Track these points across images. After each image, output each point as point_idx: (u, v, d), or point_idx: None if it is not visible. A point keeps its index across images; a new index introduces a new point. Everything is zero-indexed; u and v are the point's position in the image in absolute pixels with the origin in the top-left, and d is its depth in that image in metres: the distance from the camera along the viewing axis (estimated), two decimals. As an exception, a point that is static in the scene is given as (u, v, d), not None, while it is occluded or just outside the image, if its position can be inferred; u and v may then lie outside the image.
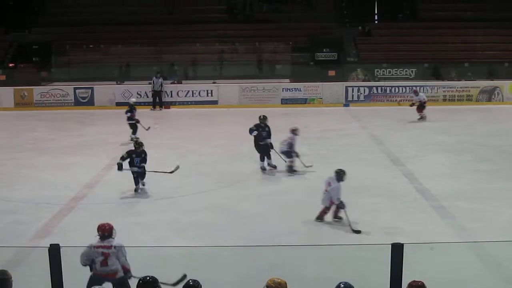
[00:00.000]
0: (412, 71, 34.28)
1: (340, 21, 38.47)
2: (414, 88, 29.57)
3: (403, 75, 34.14)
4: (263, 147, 18.89)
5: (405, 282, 6.87)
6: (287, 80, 33.92)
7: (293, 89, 32.58)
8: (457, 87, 32.54)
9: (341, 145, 22.53)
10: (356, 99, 32.25)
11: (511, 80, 32.72)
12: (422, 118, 27.25)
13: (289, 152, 18.68)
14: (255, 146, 19.05)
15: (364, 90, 32.47)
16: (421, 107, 27.47)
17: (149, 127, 23.25)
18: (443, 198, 15.90)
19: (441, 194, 16.24)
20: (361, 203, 15.48)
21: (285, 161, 18.67)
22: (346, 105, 31.90)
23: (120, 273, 9.14)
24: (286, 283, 7.32)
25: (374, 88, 32.52)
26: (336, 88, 32.43)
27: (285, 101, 32.12)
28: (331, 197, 13.90)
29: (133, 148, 16.81)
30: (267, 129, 19.18)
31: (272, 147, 18.88)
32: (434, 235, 11.43)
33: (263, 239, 12.24)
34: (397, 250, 6.16)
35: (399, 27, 38.18)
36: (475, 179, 17.80)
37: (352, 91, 32.40)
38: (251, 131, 19.03)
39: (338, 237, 12.91)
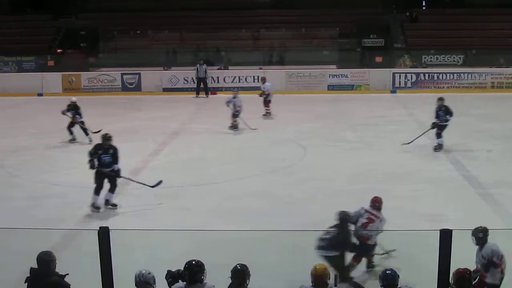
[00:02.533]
0: (459, 58, 33.89)
1: (387, 7, 38.19)
2: (263, 75, 28.55)
3: (450, 61, 33.77)
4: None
5: (451, 269, 6.88)
6: (334, 66, 33.77)
7: (340, 75, 32.44)
8: (506, 74, 32.04)
9: (388, 131, 22.40)
10: (403, 85, 31.98)
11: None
12: (267, 114, 25.37)
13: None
14: None
15: (411, 76, 32.18)
16: (266, 100, 25.48)
17: (99, 130, 19.50)
18: (490, 186, 15.74)
19: (488, 181, 16.07)
20: (406, 189, 15.47)
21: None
22: (393, 91, 31.68)
23: None
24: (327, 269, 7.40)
25: (422, 74, 32.20)
26: (383, 75, 32.20)
27: (332, 87, 31.99)
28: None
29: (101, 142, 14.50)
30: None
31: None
32: (480, 223, 11.24)
33: (308, 225, 12.24)
34: (445, 236, 6.12)
35: (446, 13, 37.74)
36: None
37: (399, 78, 32.14)
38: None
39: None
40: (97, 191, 14.11)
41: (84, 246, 6.57)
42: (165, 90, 32.27)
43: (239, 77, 32.53)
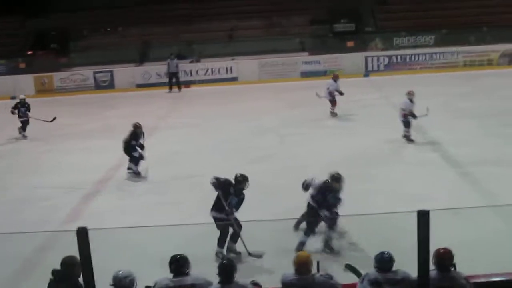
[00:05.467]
0: (431, 38, 34.02)
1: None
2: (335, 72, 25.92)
3: (422, 42, 33.89)
4: None
5: (432, 248, 6.89)
6: (306, 54, 33.80)
7: (313, 62, 32.52)
8: (477, 52, 32.26)
9: (363, 115, 22.52)
10: (376, 69, 32.15)
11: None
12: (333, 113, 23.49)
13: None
14: None
15: (384, 59, 32.34)
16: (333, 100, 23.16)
17: (54, 118, 22.33)
18: (468, 164, 15.90)
19: (466, 160, 16.24)
20: (385, 171, 15.59)
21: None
22: (366, 75, 31.82)
23: None
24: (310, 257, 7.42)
25: (394, 57, 32.36)
26: (355, 59, 32.32)
27: (305, 74, 32.04)
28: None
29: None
30: None
31: None
32: (460, 201, 11.43)
33: (293, 211, 12.23)
34: (423, 217, 6.16)
35: (416, -7, 37.81)
36: (500, 144, 17.72)
37: (372, 61, 32.29)
38: None
39: (364, 207, 12.82)
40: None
41: (72, 247, 6.53)
42: (139, 86, 32.19)
43: (211, 69, 32.52)
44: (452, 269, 7.25)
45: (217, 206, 11.09)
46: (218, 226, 10.98)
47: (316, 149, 18.29)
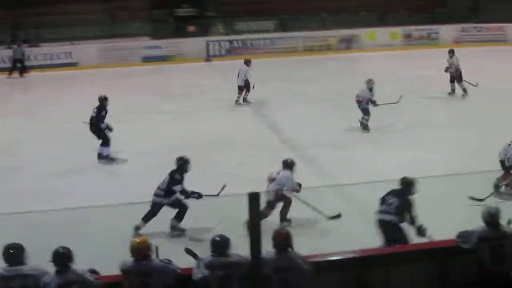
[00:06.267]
0: (272, 23, 34.33)
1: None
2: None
3: (263, 27, 34.12)
4: None
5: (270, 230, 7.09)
6: (147, 38, 33.30)
7: (154, 47, 32.05)
8: (317, 37, 32.88)
9: (206, 100, 22.40)
10: (218, 53, 32.10)
11: (368, 28, 33.35)
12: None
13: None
14: None
15: (226, 44, 32.34)
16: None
17: None
18: (306, 147, 16.26)
19: (304, 143, 16.61)
20: (228, 157, 15.61)
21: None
22: (208, 60, 31.69)
23: None
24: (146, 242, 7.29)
25: (235, 42, 32.44)
26: (197, 44, 32.12)
27: (147, 59, 31.52)
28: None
29: None
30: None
31: None
32: (301, 182, 11.53)
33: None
34: (254, 199, 6.06)
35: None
36: (336, 127, 18.15)
37: (214, 46, 32.21)
38: None
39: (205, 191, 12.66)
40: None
41: None
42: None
43: (50, 54, 31.39)
44: (290, 249, 7.31)
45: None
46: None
47: (155, 136, 18.01)
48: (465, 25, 33.96)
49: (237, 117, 19.33)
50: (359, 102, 17.93)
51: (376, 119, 17.94)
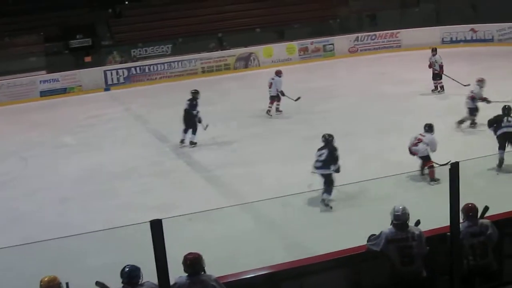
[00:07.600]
0: (168, 47, 34.28)
1: (90, 6, 37.62)
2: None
3: (159, 52, 34.05)
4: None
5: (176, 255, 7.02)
6: (44, 72, 32.68)
7: (51, 80, 31.46)
8: (214, 58, 32.98)
9: (107, 130, 22.15)
10: (116, 82, 31.75)
11: (264, 45, 33.67)
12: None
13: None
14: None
15: (123, 72, 32.03)
16: None
17: None
18: (214, 168, 16.22)
19: (211, 163, 16.54)
20: (131, 184, 15.47)
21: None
22: (106, 89, 31.30)
23: None
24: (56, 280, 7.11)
25: (133, 68, 32.15)
26: (94, 74, 31.70)
27: (44, 93, 30.93)
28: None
29: None
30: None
31: None
32: (207, 204, 11.52)
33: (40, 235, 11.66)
34: (156, 227, 6.07)
35: (150, 4, 37.90)
36: (243, 145, 18.29)
37: (111, 75, 31.85)
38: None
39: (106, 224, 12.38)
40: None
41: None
42: None
43: None
44: (202, 272, 7.31)
45: None
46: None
47: (59, 169, 17.72)
48: (359, 34, 34.74)
49: (140, 144, 19.18)
50: (472, 98, 18.36)
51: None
